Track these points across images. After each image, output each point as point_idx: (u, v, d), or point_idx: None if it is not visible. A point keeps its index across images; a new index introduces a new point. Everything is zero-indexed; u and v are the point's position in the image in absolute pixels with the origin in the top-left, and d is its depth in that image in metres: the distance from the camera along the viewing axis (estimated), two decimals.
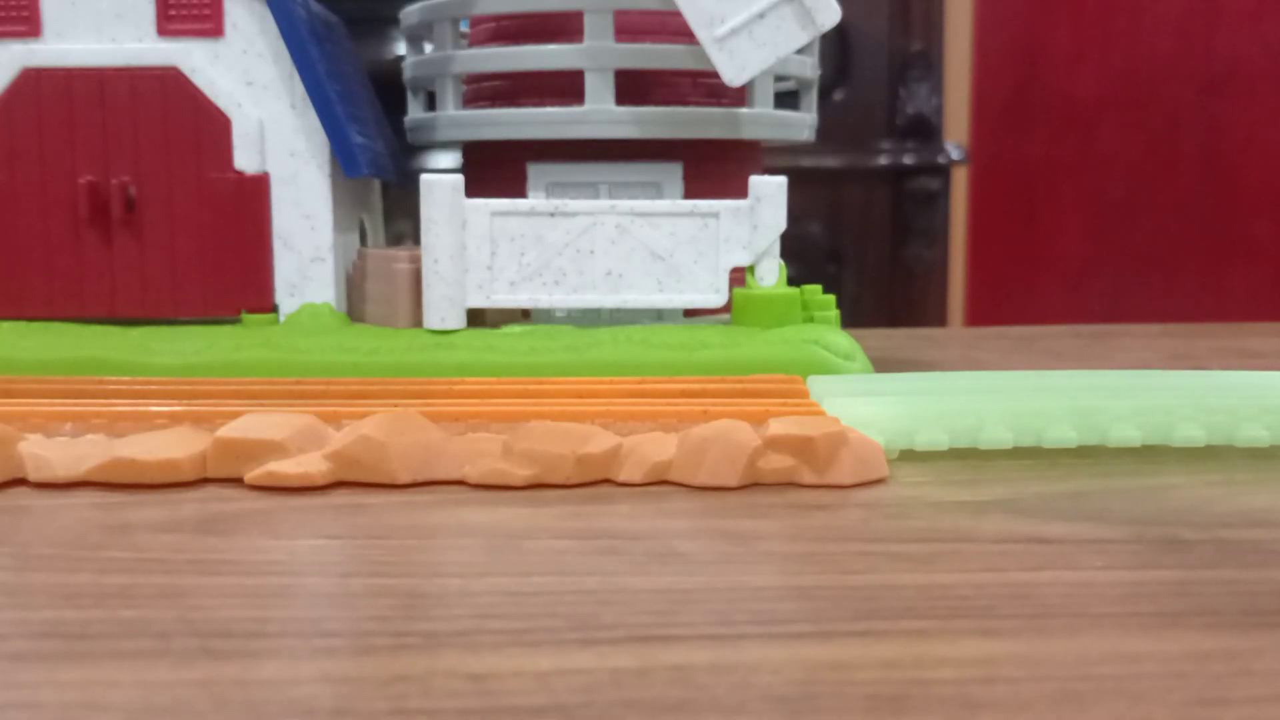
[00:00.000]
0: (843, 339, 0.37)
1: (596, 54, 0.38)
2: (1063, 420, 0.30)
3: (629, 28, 0.39)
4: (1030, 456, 0.30)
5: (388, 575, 0.22)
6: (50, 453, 0.28)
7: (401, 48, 0.53)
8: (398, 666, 0.18)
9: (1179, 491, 0.27)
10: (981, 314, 1.82)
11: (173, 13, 0.37)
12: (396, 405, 0.31)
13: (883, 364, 0.42)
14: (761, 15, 0.36)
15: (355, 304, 0.40)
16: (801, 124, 0.42)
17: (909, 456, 0.30)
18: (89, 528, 0.25)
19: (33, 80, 0.38)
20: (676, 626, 0.20)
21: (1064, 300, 1.80)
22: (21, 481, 0.28)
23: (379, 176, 0.41)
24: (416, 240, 0.39)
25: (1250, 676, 0.17)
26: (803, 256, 1.76)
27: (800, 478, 0.28)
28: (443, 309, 0.37)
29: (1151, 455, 0.30)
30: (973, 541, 0.24)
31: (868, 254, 1.78)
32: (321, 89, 0.37)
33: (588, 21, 0.38)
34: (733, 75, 0.37)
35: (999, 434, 0.30)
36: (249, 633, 0.19)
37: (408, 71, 0.43)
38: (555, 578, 0.22)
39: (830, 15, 0.36)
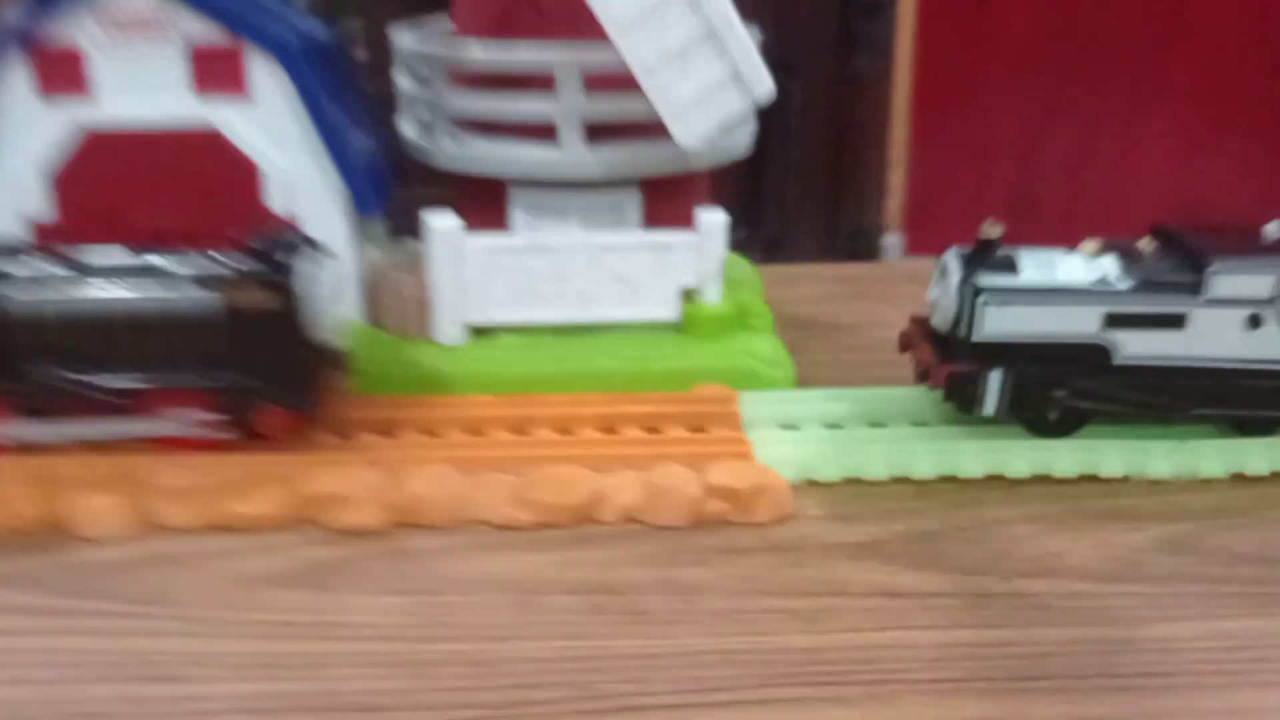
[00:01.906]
0: (769, 347, 0.47)
1: (568, 109, 0.45)
2: (925, 458, 0.41)
3: (595, 77, 0.46)
4: (903, 484, 0.41)
5: (450, 641, 0.33)
6: None
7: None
8: None
9: (1000, 530, 0.38)
10: (928, 120, 1.90)
11: (206, 80, 0.44)
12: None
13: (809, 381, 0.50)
14: (710, 92, 0.43)
15: (374, 315, 0.48)
16: (740, 143, 0.50)
17: (813, 484, 0.41)
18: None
19: (91, 141, 0.44)
20: (647, 695, 0.31)
21: (1010, 89, 1.89)
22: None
23: (384, 209, 0.48)
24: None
25: None
26: None
27: (731, 516, 0.39)
28: (447, 327, 0.46)
29: (992, 484, 0.41)
30: (846, 595, 0.35)
31: (816, 65, 1.82)
32: (338, 144, 0.44)
33: (558, 79, 0.45)
34: (689, 141, 0.44)
35: (877, 469, 0.41)
36: (387, 706, 0.30)
37: (402, 98, 0.49)
38: (564, 641, 0.33)
39: (764, 88, 0.44)
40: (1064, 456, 0.41)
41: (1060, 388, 0.40)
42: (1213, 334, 0.39)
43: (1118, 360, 0.40)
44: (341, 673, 0.31)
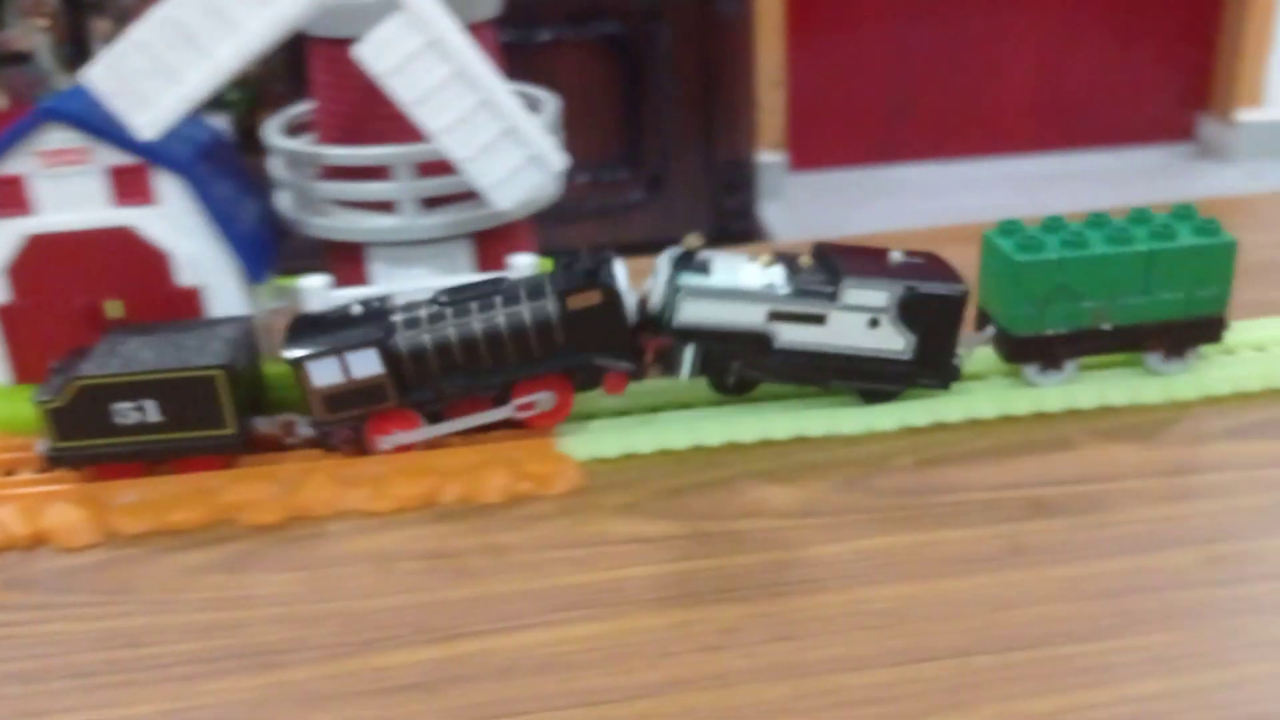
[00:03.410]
0: None
1: (406, 190, 0.59)
2: (680, 434, 0.56)
3: (426, 164, 0.59)
4: (665, 454, 0.56)
5: (332, 600, 0.47)
6: None
7: None
8: (347, 667, 0.44)
9: (729, 484, 0.53)
10: (804, 40, 2.06)
11: (122, 192, 0.57)
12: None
13: None
14: (515, 171, 0.57)
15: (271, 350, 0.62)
16: (548, 194, 0.64)
17: (601, 461, 0.56)
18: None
19: (34, 241, 0.57)
20: (465, 627, 0.45)
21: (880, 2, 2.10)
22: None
23: (269, 274, 0.62)
24: None
25: (692, 636, 0.44)
26: (624, 16, 1.92)
27: (537, 492, 0.53)
28: None
29: (731, 449, 0.56)
30: (610, 544, 0.50)
31: (683, 9, 1.96)
32: (230, 231, 0.58)
33: (396, 169, 0.59)
34: (504, 207, 0.58)
35: (645, 445, 0.55)
36: (289, 649, 0.45)
37: (276, 181, 0.63)
38: (410, 595, 0.47)
39: (557, 163, 0.58)
40: (781, 424, 0.56)
41: (735, 360, 0.55)
42: (845, 330, 0.55)
43: (777, 345, 0.55)
44: (260, 629, 0.46)
